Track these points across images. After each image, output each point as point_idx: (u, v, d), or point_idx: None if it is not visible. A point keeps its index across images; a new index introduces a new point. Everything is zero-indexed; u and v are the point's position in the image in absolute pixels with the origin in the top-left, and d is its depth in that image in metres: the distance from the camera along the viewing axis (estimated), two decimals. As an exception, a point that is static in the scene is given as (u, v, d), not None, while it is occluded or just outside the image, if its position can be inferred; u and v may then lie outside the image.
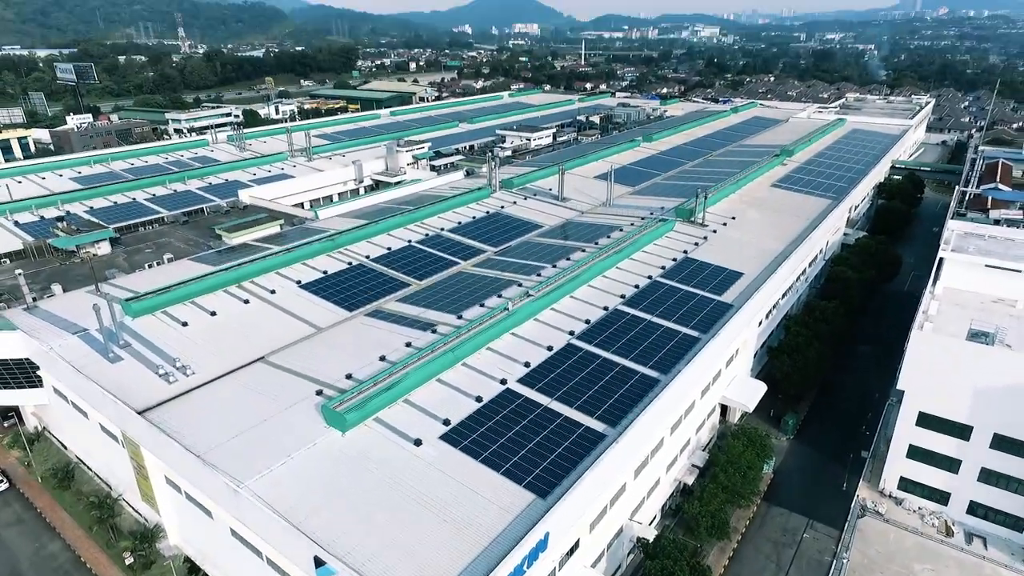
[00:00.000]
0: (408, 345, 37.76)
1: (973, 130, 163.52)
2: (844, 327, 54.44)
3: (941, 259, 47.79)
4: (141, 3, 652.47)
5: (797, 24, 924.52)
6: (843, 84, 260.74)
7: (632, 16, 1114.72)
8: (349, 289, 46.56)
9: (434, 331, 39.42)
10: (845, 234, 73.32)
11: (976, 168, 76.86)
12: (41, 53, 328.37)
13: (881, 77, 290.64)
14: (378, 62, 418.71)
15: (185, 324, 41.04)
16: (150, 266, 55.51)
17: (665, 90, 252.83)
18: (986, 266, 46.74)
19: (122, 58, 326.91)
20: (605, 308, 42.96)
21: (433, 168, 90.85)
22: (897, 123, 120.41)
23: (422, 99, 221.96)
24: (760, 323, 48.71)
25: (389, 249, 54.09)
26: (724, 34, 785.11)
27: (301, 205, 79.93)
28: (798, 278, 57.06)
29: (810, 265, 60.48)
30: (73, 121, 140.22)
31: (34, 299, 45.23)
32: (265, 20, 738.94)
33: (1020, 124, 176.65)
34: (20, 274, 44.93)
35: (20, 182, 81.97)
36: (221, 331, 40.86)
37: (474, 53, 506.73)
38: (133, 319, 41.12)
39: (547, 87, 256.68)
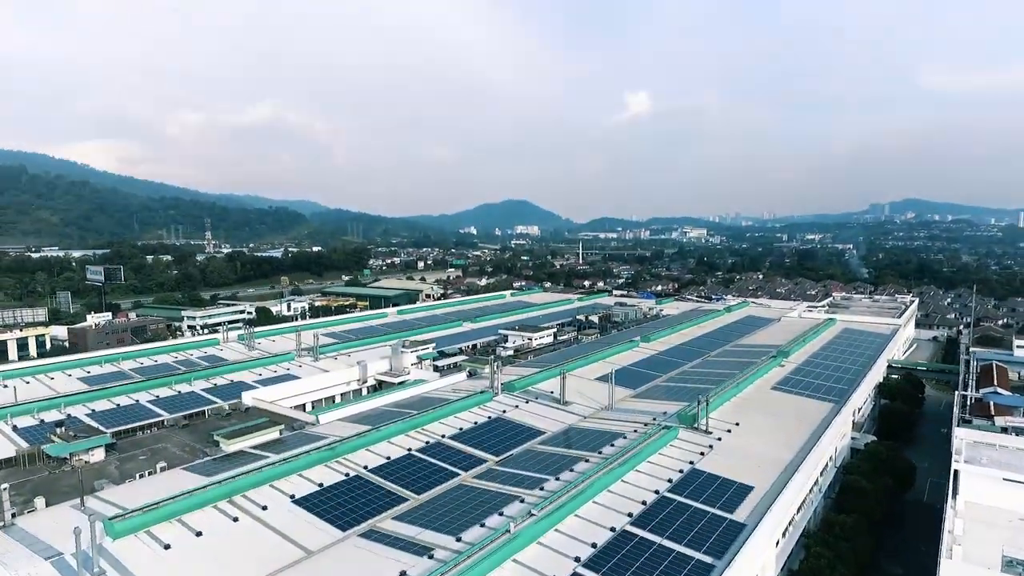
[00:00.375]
0: (402, 574, 35.23)
1: (961, 326, 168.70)
2: (867, 545, 51.00)
3: (956, 471, 46.62)
4: (176, 208, 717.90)
5: (778, 226, 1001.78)
6: (828, 281, 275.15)
7: (624, 219, 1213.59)
8: (344, 505, 44.67)
9: (431, 556, 37.04)
10: (853, 438, 71.99)
11: (971, 370, 78.08)
12: (76, 254, 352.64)
13: (864, 275, 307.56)
14: (389, 260, 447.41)
15: (168, 547, 38.73)
16: (142, 476, 53.86)
17: (660, 287, 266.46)
18: (1004, 479, 45.40)
19: (150, 258, 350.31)
20: (612, 529, 40.77)
21: (436, 368, 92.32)
22: (886, 322, 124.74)
23: (428, 296, 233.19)
24: (777, 543, 45.77)
25: (388, 458, 52.94)
26: (711, 234, 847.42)
27: (304, 407, 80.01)
28: (811, 489, 54.84)
29: (821, 474, 58.50)
30: (92, 319, 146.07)
31: (13, 515, 43.33)
32: (287, 222, 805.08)
33: (1004, 320, 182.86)
34: (5, 488, 43.54)
35: (28, 382, 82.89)
36: (205, 554, 38.44)
37: (478, 252, 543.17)
38: (114, 540, 38.95)
39: (547, 284, 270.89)
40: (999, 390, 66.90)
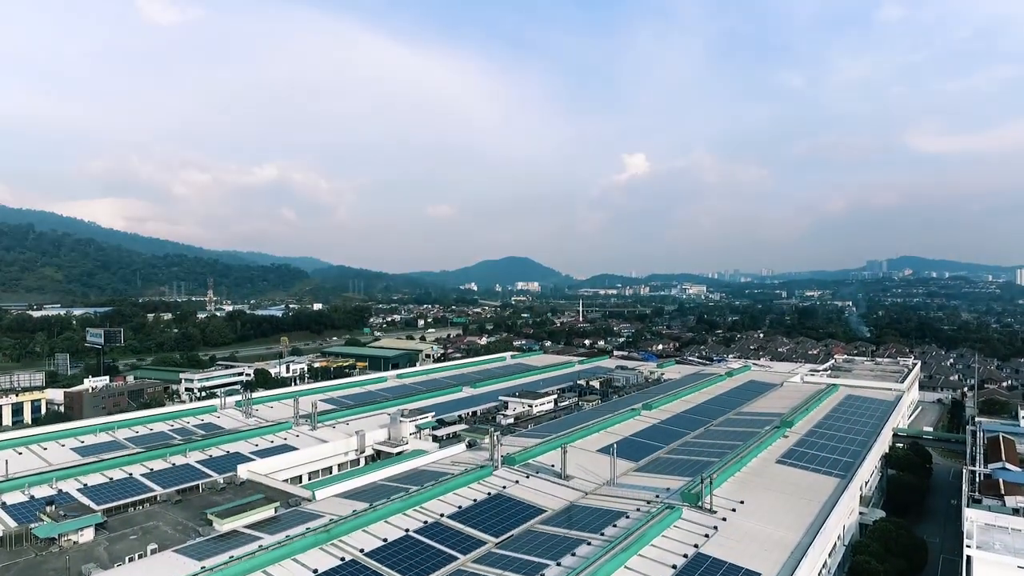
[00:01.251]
0: (398, 677, 33.79)
1: (965, 388, 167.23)
2: (884, 635, 49.11)
3: (969, 557, 45.38)
4: (179, 265, 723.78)
5: (777, 283, 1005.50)
6: (829, 341, 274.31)
7: (624, 275, 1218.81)
8: (339, 595, 43.24)
9: (428, 656, 35.62)
10: (861, 513, 70.34)
11: (978, 442, 76.88)
12: (77, 312, 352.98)
13: (865, 334, 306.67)
14: (389, 318, 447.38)
15: (154, 644, 37.31)
16: (131, 559, 52.34)
17: (660, 346, 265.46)
18: (1019, 567, 44.13)
19: (151, 316, 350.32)
20: (615, 623, 39.36)
21: (435, 438, 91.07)
22: (889, 387, 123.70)
23: (428, 356, 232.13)
24: (788, 636, 44.09)
25: (385, 540, 51.52)
26: (710, 291, 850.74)
27: (300, 478, 78.50)
28: (820, 572, 53.23)
29: (830, 555, 56.90)
30: (89, 383, 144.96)
31: (-3, 606, 42.00)
32: (289, 279, 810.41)
33: (1008, 382, 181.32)
34: (-9, 577, 42.37)
35: (20, 453, 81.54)
36: (192, 653, 36.98)
37: (479, 309, 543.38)
38: (99, 636, 37.55)
39: (547, 343, 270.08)
40: (1008, 466, 65.63)
